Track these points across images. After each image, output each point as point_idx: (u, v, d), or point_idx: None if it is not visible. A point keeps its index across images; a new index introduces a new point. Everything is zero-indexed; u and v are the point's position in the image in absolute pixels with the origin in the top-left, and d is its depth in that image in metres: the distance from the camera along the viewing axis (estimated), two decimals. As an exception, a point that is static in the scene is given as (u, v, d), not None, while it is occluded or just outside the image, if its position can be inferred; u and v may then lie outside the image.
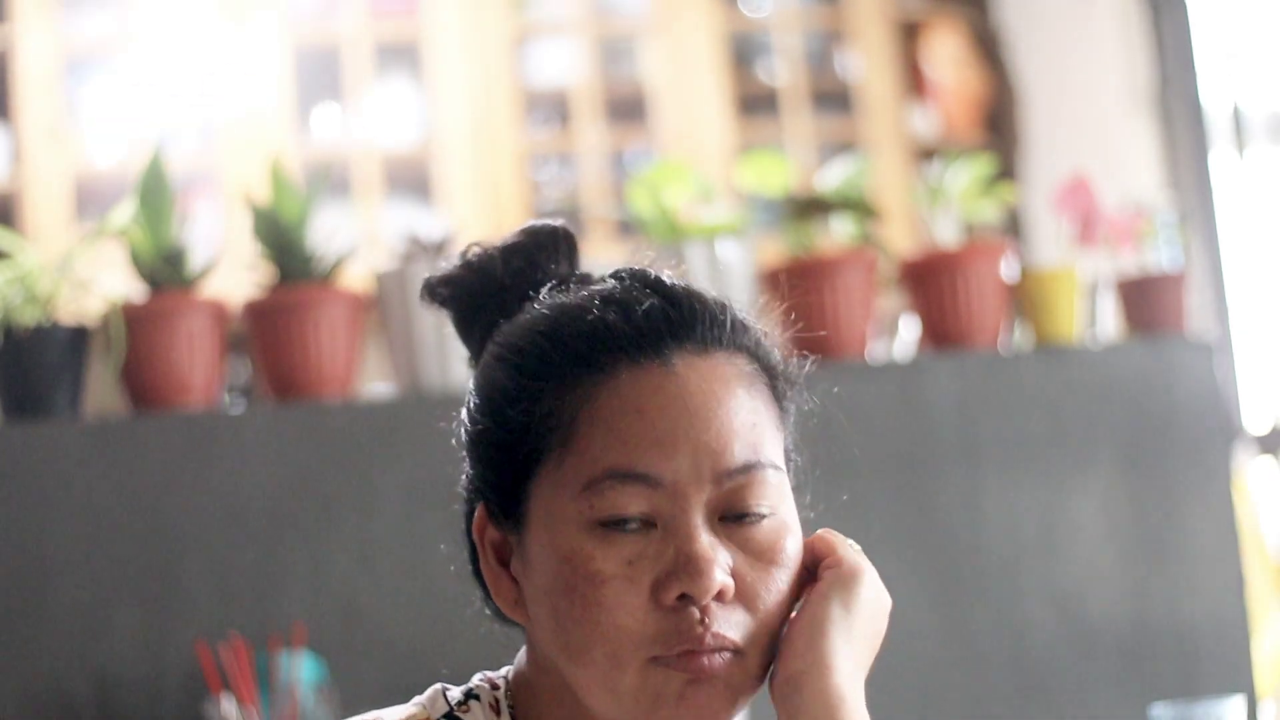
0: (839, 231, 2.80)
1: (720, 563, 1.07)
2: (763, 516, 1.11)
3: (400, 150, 4.78)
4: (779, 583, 1.11)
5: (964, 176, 2.84)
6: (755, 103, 5.04)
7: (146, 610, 2.38)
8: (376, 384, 3.12)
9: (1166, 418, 2.75)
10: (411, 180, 4.76)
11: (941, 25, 5.15)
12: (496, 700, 1.14)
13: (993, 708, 2.61)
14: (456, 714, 1.13)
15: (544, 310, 1.13)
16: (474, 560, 1.18)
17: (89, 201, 4.45)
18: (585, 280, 1.17)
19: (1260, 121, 4.50)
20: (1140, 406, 2.75)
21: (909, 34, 5.16)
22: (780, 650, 1.10)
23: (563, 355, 1.10)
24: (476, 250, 1.20)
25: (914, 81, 5.16)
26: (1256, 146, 4.49)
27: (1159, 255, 2.92)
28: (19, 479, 2.39)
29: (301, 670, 2.29)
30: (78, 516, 2.39)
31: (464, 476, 1.17)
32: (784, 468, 1.16)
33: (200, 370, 2.47)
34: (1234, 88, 4.54)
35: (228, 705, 2.26)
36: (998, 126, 5.11)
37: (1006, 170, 4.82)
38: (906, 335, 2.94)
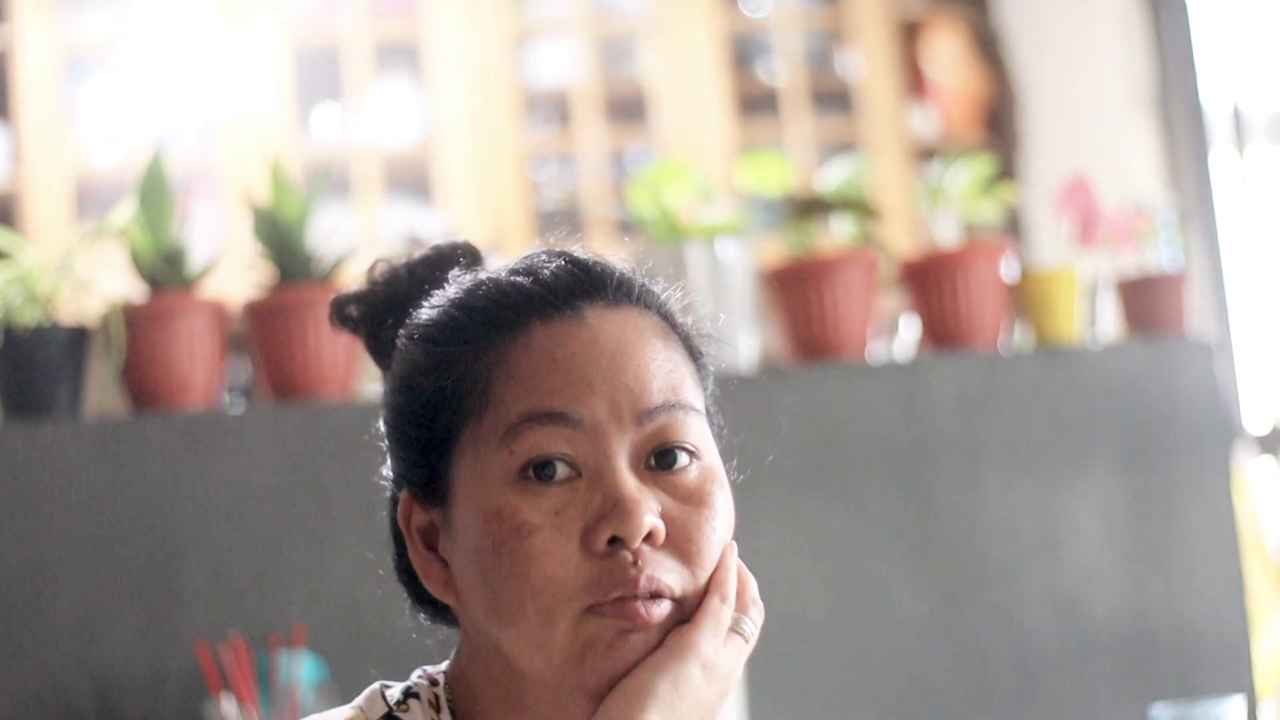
0: (839, 231, 2.80)
1: (649, 504, 1.06)
2: (690, 457, 1.09)
3: (400, 150, 4.78)
4: (711, 527, 1.09)
5: (964, 176, 2.84)
6: (755, 103, 5.04)
7: (146, 610, 2.38)
8: (376, 384, 3.12)
9: (1166, 418, 2.75)
10: (411, 180, 4.76)
11: (941, 25, 5.15)
12: (436, 696, 1.13)
13: (993, 708, 2.61)
14: (396, 714, 1.12)
15: (452, 287, 1.14)
16: (400, 557, 1.16)
17: (89, 201, 4.45)
18: None
19: (1260, 121, 4.50)
20: (1140, 406, 2.75)
21: (909, 34, 5.16)
22: (596, 713, 1.06)
23: (474, 320, 1.10)
24: (383, 267, 1.20)
25: (914, 81, 5.16)
26: (1256, 146, 4.49)
27: (1159, 255, 2.92)
28: (19, 479, 2.39)
29: (301, 670, 2.29)
30: (78, 516, 2.39)
31: (386, 473, 1.17)
32: (705, 418, 1.13)
33: (200, 370, 2.47)
34: (1234, 88, 4.54)
35: (228, 705, 2.26)
36: (998, 126, 5.11)
37: (1006, 170, 4.83)
38: (906, 335, 2.94)
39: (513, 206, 4.73)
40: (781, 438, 2.60)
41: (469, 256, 1.20)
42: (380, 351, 1.20)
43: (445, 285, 1.15)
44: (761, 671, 2.48)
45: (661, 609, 1.06)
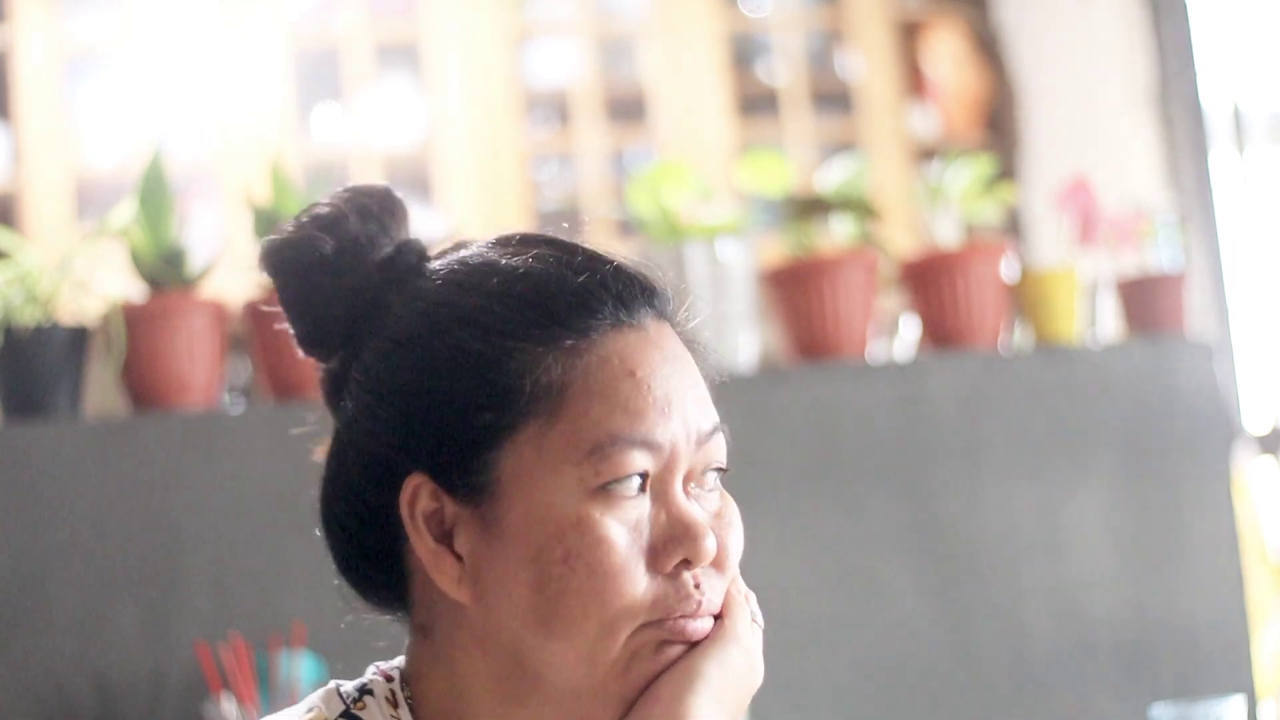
0: (839, 231, 2.80)
1: (709, 528, 1.07)
2: (721, 476, 1.11)
3: (400, 150, 4.78)
4: (739, 543, 1.11)
5: (964, 176, 2.84)
6: (755, 103, 5.04)
7: (146, 610, 2.38)
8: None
9: (1166, 418, 2.75)
10: (411, 180, 4.76)
11: (941, 25, 5.15)
12: (393, 693, 1.11)
13: (993, 708, 2.61)
14: (354, 712, 1.10)
15: (499, 271, 1.09)
16: (350, 538, 1.12)
17: (89, 201, 4.45)
18: (502, 245, 1.12)
19: (1260, 121, 4.50)
20: (1140, 407, 2.75)
21: (909, 34, 5.16)
22: (644, 695, 1.07)
23: (544, 318, 1.06)
24: (323, 210, 1.11)
25: (914, 81, 5.16)
26: (1256, 146, 4.49)
27: (1159, 255, 2.92)
28: (19, 479, 2.39)
29: (301, 670, 2.29)
30: (78, 516, 2.39)
31: (360, 442, 1.10)
32: None
33: (200, 370, 2.47)
34: (1234, 88, 4.54)
35: (228, 705, 2.26)
36: (998, 126, 5.11)
37: (1006, 170, 4.82)
38: (906, 335, 2.94)
39: (513, 206, 4.73)
40: (781, 438, 2.60)
41: (403, 210, 1.14)
42: (303, 306, 1.13)
43: (382, 246, 1.11)
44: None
45: (707, 625, 1.08)
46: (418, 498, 1.07)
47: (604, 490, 1.05)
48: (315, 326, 1.13)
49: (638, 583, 1.05)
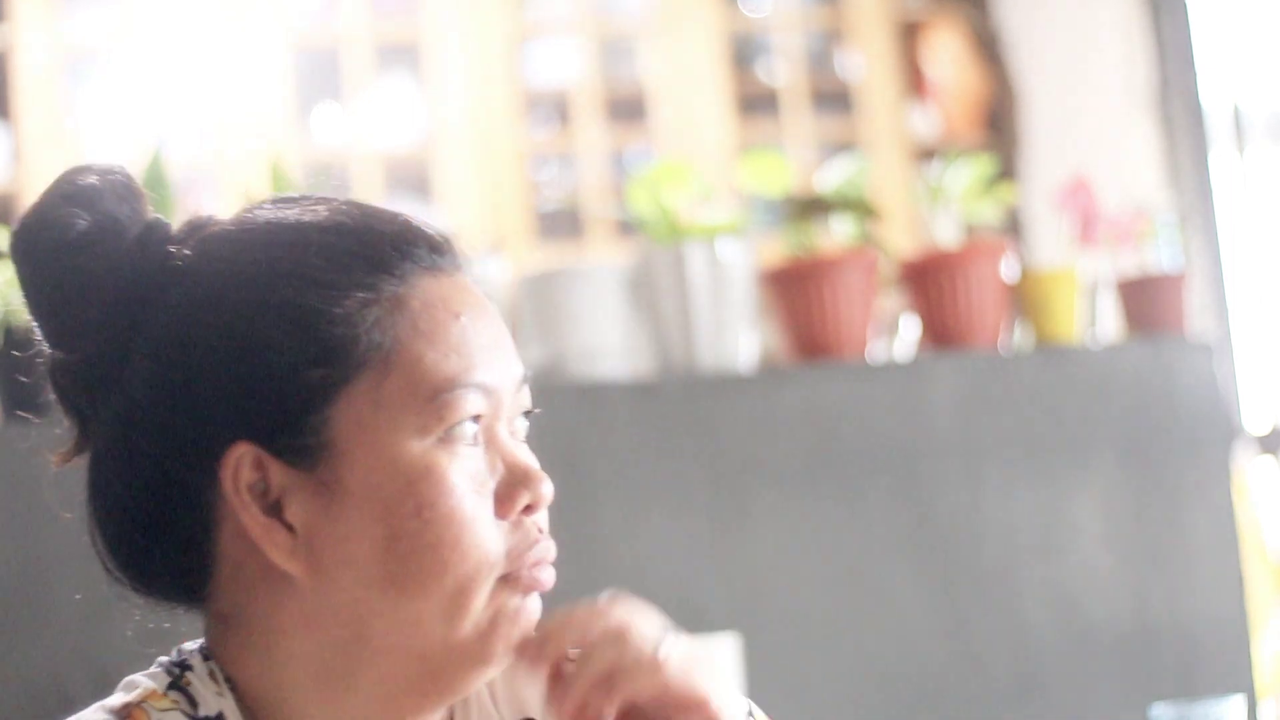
0: (839, 231, 2.80)
1: None
2: (525, 424, 1.09)
3: (400, 150, 4.78)
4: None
5: (964, 176, 2.84)
6: (755, 103, 5.04)
7: (146, 610, 2.37)
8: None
9: (1166, 418, 2.75)
10: (411, 180, 4.76)
11: (941, 25, 5.15)
12: (211, 671, 1.08)
13: (993, 708, 2.61)
14: (181, 685, 1.08)
15: (293, 226, 1.05)
16: (141, 531, 1.08)
17: (89, 201, 4.44)
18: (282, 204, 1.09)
19: (1260, 121, 4.50)
20: (1140, 407, 2.75)
21: (909, 34, 5.16)
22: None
23: (365, 266, 1.02)
24: (71, 187, 1.05)
25: (914, 81, 5.16)
26: (1256, 146, 4.49)
27: (1159, 255, 2.92)
28: (19, 478, 2.38)
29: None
30: (78, 515, 2.39)
31: (156, 433, 1.04)
32: None
33: (200, 370, 2.46)
34: (1234, 88, 4.54)
35: (228, 705, 2.26)
36: (998, 126, 5.11)
37: (1006, 170, 4.83)
38: (906, 335, 2.94)
39: (513, 206, 4.73)
40: (781, 438, 2.60)
41: (139, 192, 1.09)
42: (47, 300, 1.08)
43: (258, 221, 1.07)
44: (761, 671, 2.48)
45: (551, 573, 1.06)
46: (241, 468, 1.01)
47: (446, 437, 1.01)
48: (71, 314, 1.08)
49: (489, 529, 1.02)
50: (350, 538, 1.01)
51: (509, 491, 1.03)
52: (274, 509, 1.02)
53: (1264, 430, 4.03)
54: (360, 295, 1.02)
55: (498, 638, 1.03)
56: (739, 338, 2.65)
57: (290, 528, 1.02)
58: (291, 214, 1.07)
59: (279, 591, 1.04)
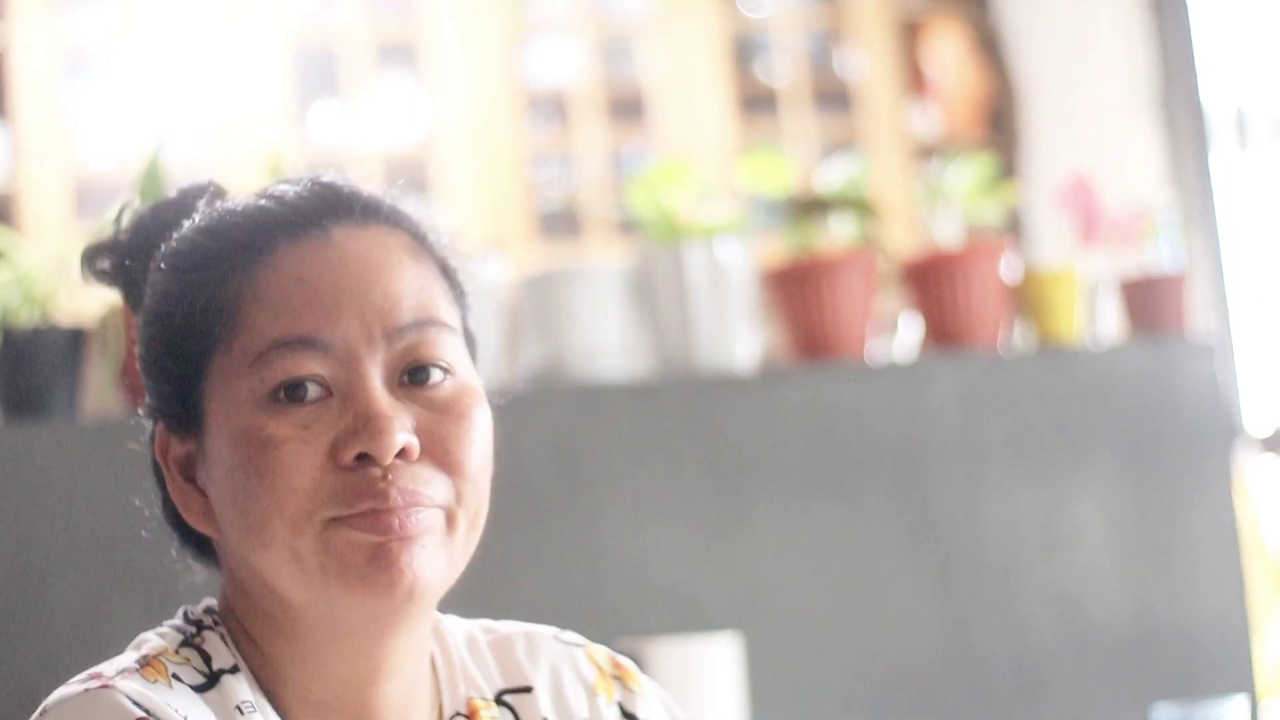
0: (839, 231, 2.80)
1: (401, 421, 1.05)
2: (444, 373, 1.09)
3: (400, 150, 4.78)
4: (470, 439, 1.08)
5: (965, 176, 2.83)
6: (755, 103, 5.04)
7: (146, 610, 2.37)
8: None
9: (1167, 418, 2.75)
10: (411, 180, 4.75)
11: (942, 25, 5.15)
12: (223, 635, 1.12)
13: (993, 708, 2.60)
14: (194, 642, 1.11)
15: (199, 216, 1.13)
16: (165, 496, 1.16)
17: (88, 201, 4.45)
18: None
19: (1261, 121, 4.50)
20: (1141, 407, 2.75)
21: (909, 34, 5.16)
22: None
23: (220, 245, 1.09)
24: (127, 215, 1.19)
25: (914, 81, 5.15)
26: (1257, 146, 4.49)
27: (1160, 255, 2.92)
28: (19, 479, 2.38)
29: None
30: (77, 516, 2.38)
31: (143, 414, 1.15)
32: (461, 335, 1.12)
33: (200, 370, 2.46)
34: (1235, 88, 4.54)
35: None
36: (999, 126, 5.10)
37: (1007, 170, 4.82)
38: (906, 335, 2.94)
39: (513, 206, 4.73)
40: (781, 438, 2.60)
41: (216, 194, 1.18)
42: (138, 300, 1.17)
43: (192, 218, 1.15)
44: (761, 671, 2.48)
45: (421, 518, 1.05)
46: (168, 444, 1.13)
47: (274, 398, 1.05)
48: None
49: (309, 475, 1.04)
50: (220, 498, 1.09)
51: (344, 438, 1.05)
52: (195, 478, 1.12)
53: (1265, 430, 4.02)
54: (208, 274, 1.09)
55: (357, 575, 1.04)
56: (739, 338, 2.65)
57: (204, 494, 1.11)
58: (212, 208, 1.14)
59: (221, 551, 1.14)
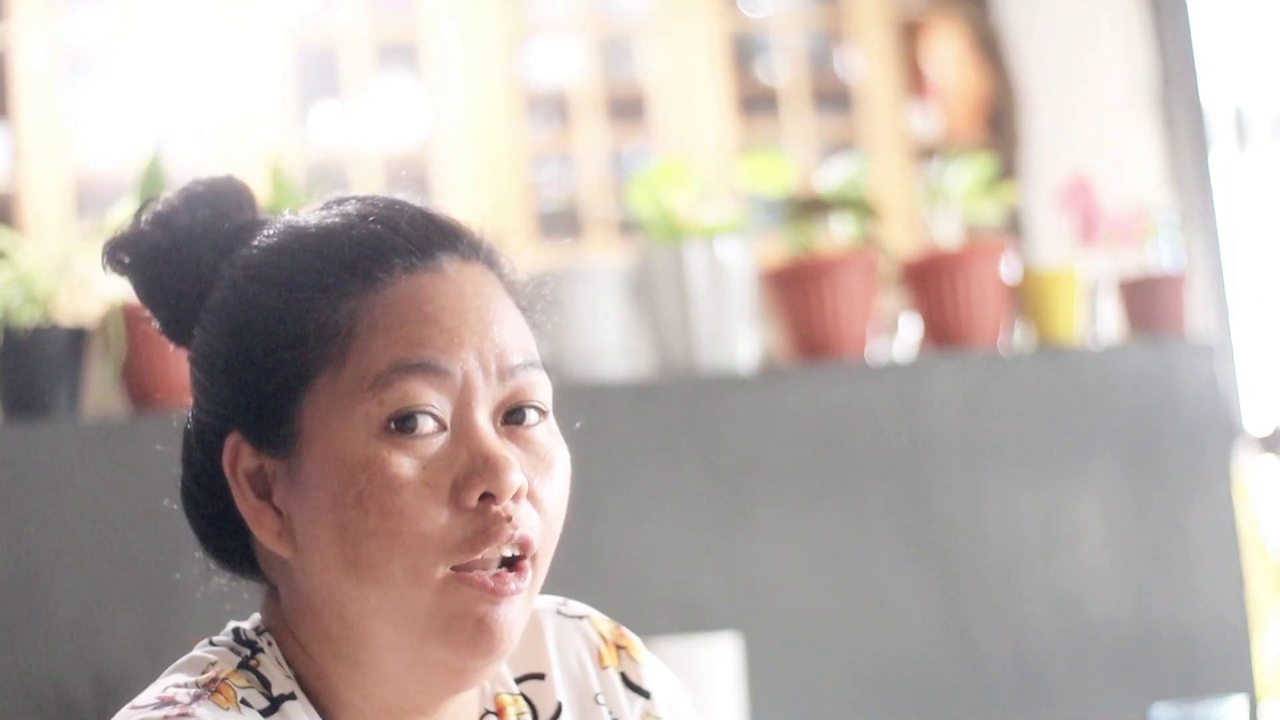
0: (839, 231, 2.80)
1: (515, 461, 1.06)
2: (541, 415, 1.10)
3: (400, 150, 4.78)
4: (560, 486, 1.10)
5: (964, 176, 2.83)
6: (755, 103, 5.04)
7: (146, 610, 2.38)
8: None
9: (1167, 418, 2.75)
10: (411, 180, 4.75)
11: (942, 25, 5.15)
12: (277, 657, 1.10)
13: (993, 708, 2.61)
14: (250, 665, 1.09)
15: (298, 229, 1.11)
16: (197, 496, 1.13)
17: (89, 201, 4.45)
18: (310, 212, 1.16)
19: (1261, 121, 4.50)
20: (1141, 407, 2.75)
21: (909, 34, 5.16)
22: None
23: (331, 266, 1.08)
24: (154, 209, 1.15)
25: (914, 81, 5.15)
26: (1257, 146, 4.49)
27: (1160, 255, 2.92)
28: (19, 479, 2.38)
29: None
30: (78, 516, 2.39)
31: (193, 415, 1.13)
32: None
33: (200, 370, 2.46)
34: (1234, 88, 4.54)
35: (227, 705, 2.26)
36: (998, 126, 5.11)
37: (1007, 170, 4.82)
38: (906, 335, 2.94)
39: (513, 206, 4.73)
40: (781, 438, 2.60)
41: (247, 194, 1.18)
42: (155, 298, 1.16)
43: (226, 233, 1.13)
44: (761, 671, 2.48)
45: (524, 579, 1.06)
46: (239, 456, 1.09)
47: (394, 428, 1.04)
48: (168, 316, 1.16)
49: (435, 520, 1.04)
50: (314, 524, 1.06)
51: (466, 479, 1.04)
52: (269, 494, 1.08)
53: (1264, 430, 4.03)
54: (320, 295, 1.07)
55: (466, 639, 1.04)
56: (739, 338, 2.65)
57: (280, 512, 1.08)
58: (304, 217, 1.13)
59: (285, 571, 1.10)
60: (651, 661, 1.23)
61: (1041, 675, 2.63)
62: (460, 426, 1.06)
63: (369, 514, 1.03)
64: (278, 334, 1.07)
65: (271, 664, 1.09)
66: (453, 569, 1.04)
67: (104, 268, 1.17)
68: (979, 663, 2.61)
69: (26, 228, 4.37)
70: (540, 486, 1.08)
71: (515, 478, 1.05)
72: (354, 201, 1.13)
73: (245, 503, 1.08)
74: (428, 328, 1.06)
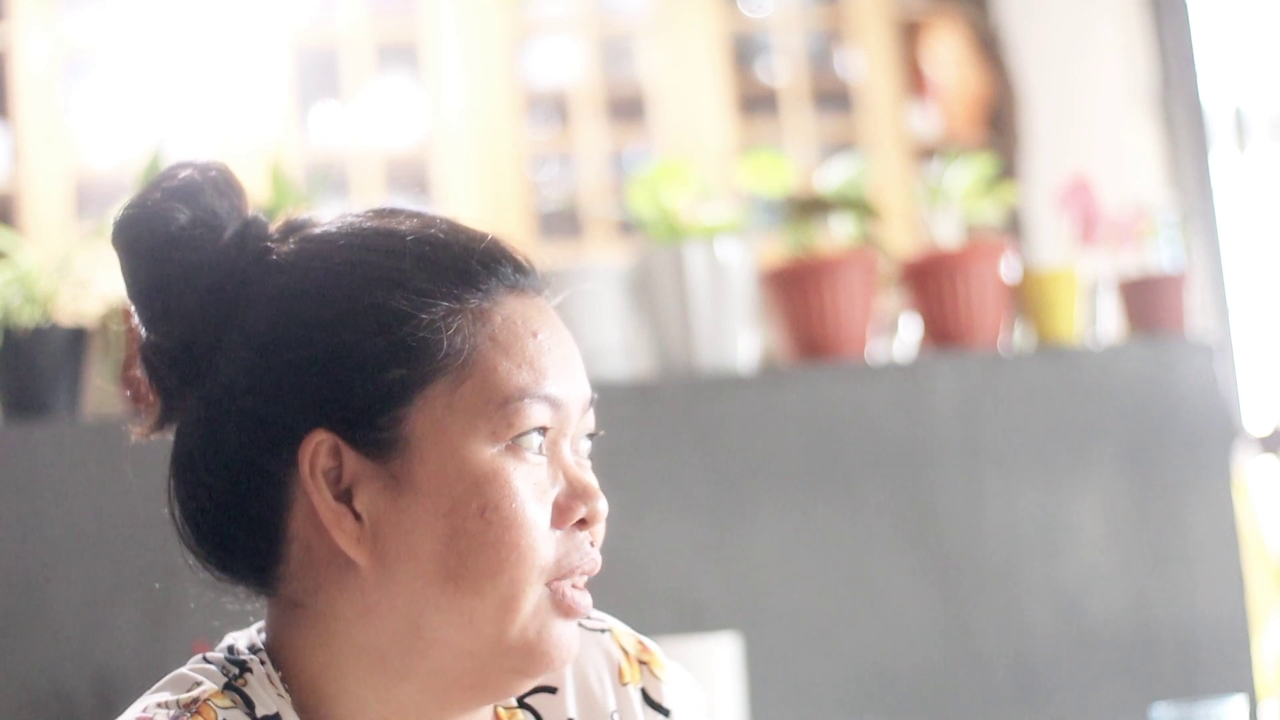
0: (839, 231, 2.80)
1: None
2: (588, 445, 1.15)
3: (400, 150, 4.78)
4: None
5: (964, 176, 2.83)
6: (755, 103, 5.04)
7: (146, 610, 2.38)
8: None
9: (1167, 418, 2.75)
10: (411, 180, 4.76)
11: (941, 25, 5.15)
12: (269, 675, 1.10)
13: (993, 708, 2.61)
14: (236, 685, 1.09)
15: (396, 232, 1.10)
16: (222, 510, 1.11)
17: (89, 201, 4.45)
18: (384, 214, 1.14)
19: (1261, 121, 4.50)
20: (1141, 407, 2.75)
21: (909, 34, 5.16)
22: None
23: (454, 278, 1.09)
24: (175, 182, 1.11)
25: (914, 81, 5.15)
26: (1257, 146, 4.49)
27: (1160, 255, 2.92)
28: (19, 479, 2.38)
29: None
30: (78, 516, 2.39)
31: (239, 407, 1.08)
32: None
33: (200, 370, 2.46)
34: (1234, 88, 4.54)
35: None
36: (998, 126, 5.11)
37: (1007, 170, 4.82)
38: (906, 335, 2.94)
39: (513, 206, 4.73)
40: (781, 438, 2.60)
41: (237, 182, 1.15)
42: (139, 275, 1.11)
43: (218, 225, 1.10)
44: (761, 671, 2.48)
45: (587, 598, 1.11)
46: (319, 454, 1.07)
47: (513, 445, 1.07)
48: (169, 302, 1.11)
49: (545, 535, 1.07)
50: (414, 531, 1.06)
51: (568, 503, 1.09)
52: (345, 496, 1.07)
53: (1264, 430, 4.03)
54: (446, 304, 1.08)
55: (541, 653, 1.08)
56: (739, 338, 2.65)
57: (358, 516, 1.07)
58: (388, 222, 1.12)
59: (343, 579, 1.08)
60: (673, 677, 1.24)
61: (1041, 675, 2.63)
62: (554, 453, 1.10)
63: (491, 525, 1.05)
64: (394, 339, 1.07)
65: (259, 684, 1.09)
66: (546, 586, 1.08)
67: (111, 241, 1.13)
68: (979, 663, 2.61)
69: (26, 228, 4.37)
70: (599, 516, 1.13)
71: (605, 505, 1.10)
72: (422, 216, 1.13)
73: (325, 504, 1.07)
74: (544, 356, 1.10)
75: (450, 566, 1.05)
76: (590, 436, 1.14)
